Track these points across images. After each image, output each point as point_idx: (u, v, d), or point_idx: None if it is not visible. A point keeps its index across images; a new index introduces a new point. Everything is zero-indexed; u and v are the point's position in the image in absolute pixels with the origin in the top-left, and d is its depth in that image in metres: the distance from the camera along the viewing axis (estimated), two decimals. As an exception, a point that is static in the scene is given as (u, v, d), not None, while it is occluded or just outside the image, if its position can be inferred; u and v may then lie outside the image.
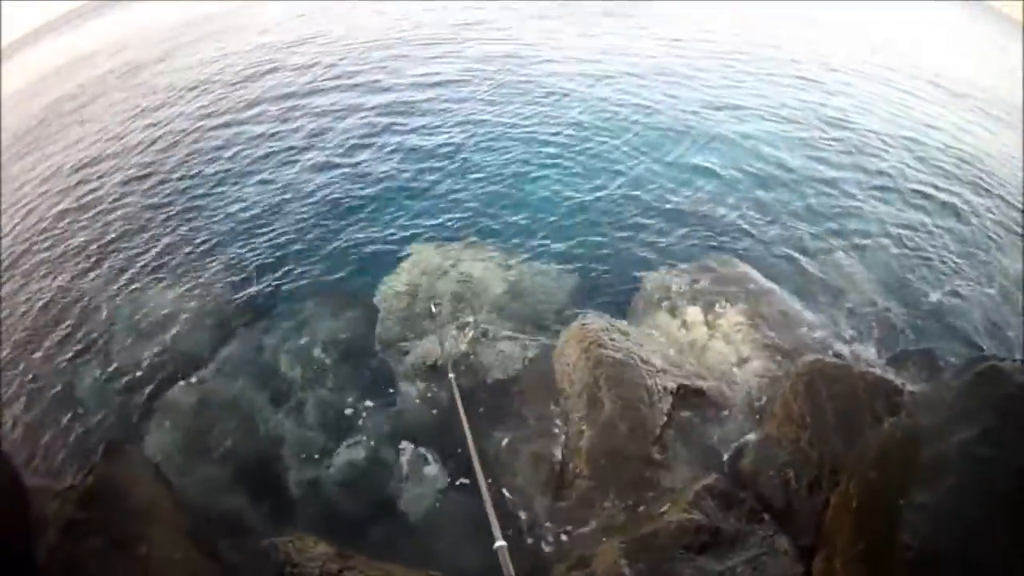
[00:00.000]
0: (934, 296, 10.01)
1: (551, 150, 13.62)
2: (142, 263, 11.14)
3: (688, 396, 7.63)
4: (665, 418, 7.26)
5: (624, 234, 10.84)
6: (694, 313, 8.71)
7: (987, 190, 14.05)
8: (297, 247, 10.98)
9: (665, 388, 7.52)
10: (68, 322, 10.01)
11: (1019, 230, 12.47)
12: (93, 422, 8.18)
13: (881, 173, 14.03)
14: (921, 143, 16.31)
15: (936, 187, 13.78)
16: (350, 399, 8.18)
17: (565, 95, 16.88)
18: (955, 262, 10.98)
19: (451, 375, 6.73)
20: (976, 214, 12.78)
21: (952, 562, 4.03)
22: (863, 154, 14.88)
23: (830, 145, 15.12)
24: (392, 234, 11.03)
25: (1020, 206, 13.52)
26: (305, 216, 11.83)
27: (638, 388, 7.43)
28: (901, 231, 11.67)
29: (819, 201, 12.37)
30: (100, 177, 15.40)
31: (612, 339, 8.04)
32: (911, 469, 4.54)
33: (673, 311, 8.85)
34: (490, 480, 7.02)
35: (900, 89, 21.39)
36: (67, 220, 13.50)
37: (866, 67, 23.69)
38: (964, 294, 10.11)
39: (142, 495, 6.11)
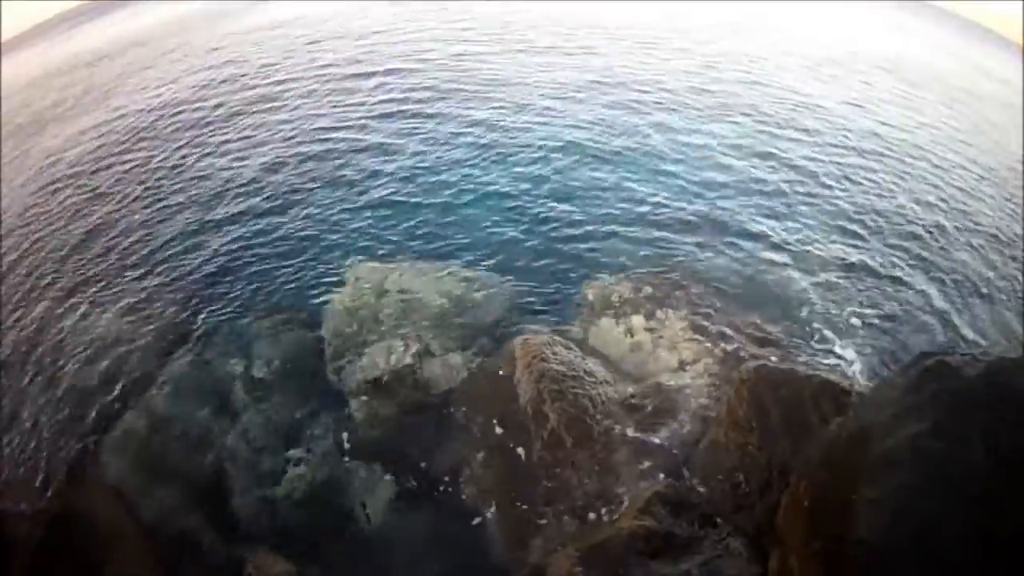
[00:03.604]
0: (883, 295, 10.29)
1: (488, 165, 13.51)
2: (88, 286, 10.91)
3: (633, 405, 7.60)
4: (611, 428, 7.23)
5: (566, 244, 10.79)
6: (637, 321, 8.71)
7: (935, 185, 14.67)
8: (240, 266, 10.82)
9: (610, 398, 7.53)
10: (21, 347, 9.88)
11: (966, 226, 12.96)
12: (53, 446, 8.11)
13: (822, 175, 14.22)
14: (867, 138, 16.94)
15: (881, 181, 14.25)
16: (299, 416, 8.13)
17: (499, 110, 16.71)
18: (904, 259, 11.33)
19: None
20: (918, 211, 13.22)
21: (908, 555, 4.01)
22: (806, 159, 14.99)
23: (771, 148, 15.26)
24: (334, 253, 10.90)
25: (969, 201, 14.14)
26: (247, 236, 11.61)
27: (582, 400, 7.41)
28: (846, 233, 11.89)
29: (762, 205, 12.48)
30: (44, 197, 14.91)
31: (555, 352, 7.99)
32: (861, 466, 4.56)
33: (616, 320, 8.83)
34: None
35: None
36: (12, 242, 13.06)
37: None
38: (912, 292, 10.47)
39: (106, 518, 6.46)
